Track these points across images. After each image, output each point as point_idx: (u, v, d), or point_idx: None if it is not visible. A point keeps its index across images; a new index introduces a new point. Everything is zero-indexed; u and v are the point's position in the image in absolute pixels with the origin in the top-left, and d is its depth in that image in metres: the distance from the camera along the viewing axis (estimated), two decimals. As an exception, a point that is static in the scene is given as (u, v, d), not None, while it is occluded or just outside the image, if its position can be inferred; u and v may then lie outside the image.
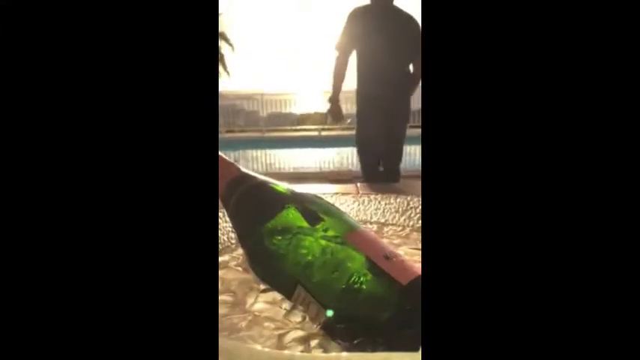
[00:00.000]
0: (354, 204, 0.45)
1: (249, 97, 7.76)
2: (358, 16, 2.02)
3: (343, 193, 0.47)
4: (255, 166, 5.32)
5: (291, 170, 4.88)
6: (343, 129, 5.95)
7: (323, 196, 0.45)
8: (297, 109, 8.19)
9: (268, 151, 5.81)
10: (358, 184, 0.90)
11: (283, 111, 7.77)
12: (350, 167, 4.39)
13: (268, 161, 5.66)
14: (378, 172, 2.18)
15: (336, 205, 0.46)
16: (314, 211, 0.35)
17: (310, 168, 4.94)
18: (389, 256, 0.29)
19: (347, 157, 5.10)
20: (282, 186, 0.37)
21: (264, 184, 0.38)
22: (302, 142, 6.06)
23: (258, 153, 5.79)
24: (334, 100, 2.17)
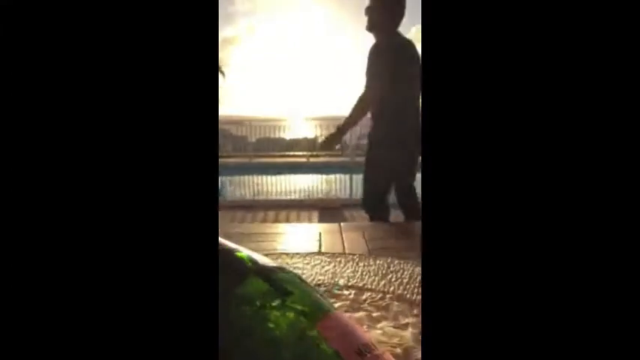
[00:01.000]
0: (329, 265, 0.41)
1: (237, 122, 7.75)
2: (372, 53, 2.02)
3: (319, 253, 0.43)
4: (242, 192, 5.26)
5: (279, 197, 4.82)
6: (331, 156, 5.95)
7: (295, 260, 0.41)
8: (286, 134, 8.20)
9: (256, 177, 5.76)
10: (342, 224, 0.85)
11: (272, 136, 7.77)
12: (338, 195, 4.36)
13: (256, 187, 5.61)
14: (379, 205, 2.15)
15: (310, 266, 0.42)
16: (280, 283, 0.31)
17: (298, 194, 4.90)
18: (362, 351, 0.25)
19: (335, 184, 5.08)
20: (245, 253, 0.33)
21: (225, 252, 0.34)
22: (290, 169, 6.03)
23: (246, 179, 5.73)
24: (341, 130, 2.16)
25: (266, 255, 0.41)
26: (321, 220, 3.59)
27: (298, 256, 0.40)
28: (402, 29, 2.05)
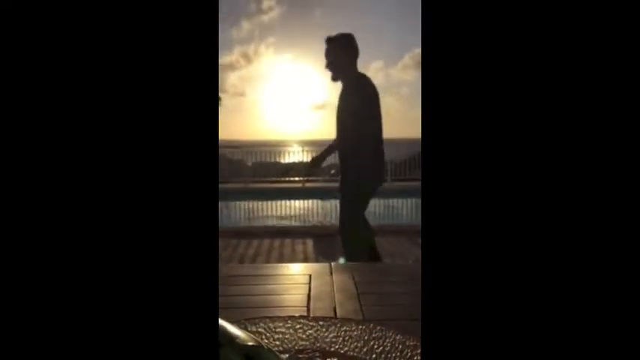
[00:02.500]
0: (311, 329, 0.40)
1: (235, 147, 7.80)
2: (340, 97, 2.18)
3: (301, 317, 0.42)
4: (237, 218, 5.24)
5: (274, 224, 4.80)
6: (326, 181, 5.96)
7: (277, 324, 0.40)
8: (282, 159, 8.23)
9: (251, 203, 5.75)
10: (332, 264, 0.85)
11: (268, 160, 7.80)
12: (333, 221, 4.34)
13: (251, 212, 5.59)
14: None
15: (292, 330, 0.41)
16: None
17: (293, 220, 4.88)
18: None
19: (331, 209, 5.07)
20: (222, 324, 0.33)
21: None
22: (285, 194, 6.03)
23: (241, 204, 5.72)
24: (319, 157, 2.37)
25: (249, 319, 0.40)
26: (316, 247, 3.56)
27: (280, 319, 0.40)
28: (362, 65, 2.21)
